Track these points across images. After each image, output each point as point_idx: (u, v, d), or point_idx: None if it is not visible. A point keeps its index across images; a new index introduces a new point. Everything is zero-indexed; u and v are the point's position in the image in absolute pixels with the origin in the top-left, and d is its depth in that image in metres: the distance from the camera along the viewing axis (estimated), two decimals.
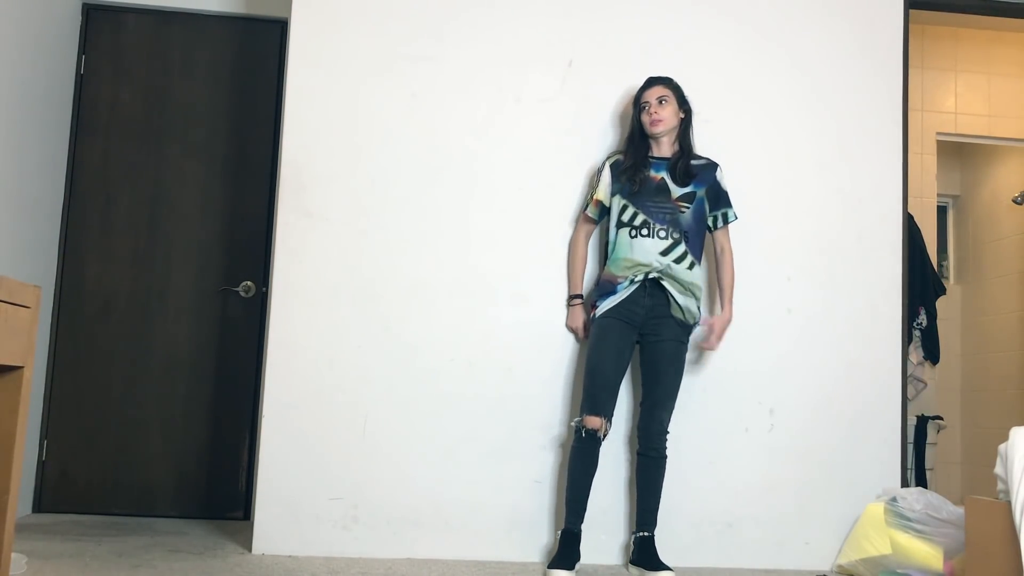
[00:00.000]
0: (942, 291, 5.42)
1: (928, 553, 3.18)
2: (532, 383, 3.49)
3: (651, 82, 3.36)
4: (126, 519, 4.02)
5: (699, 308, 3.31)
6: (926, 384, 5.40)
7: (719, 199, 3.36)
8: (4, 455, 1.69)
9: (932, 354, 5.39)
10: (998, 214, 6.02)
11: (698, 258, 3.30)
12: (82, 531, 3.66)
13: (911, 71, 4.13)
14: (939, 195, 5.92)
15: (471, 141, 3.57)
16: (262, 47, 4.41)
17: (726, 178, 3.41)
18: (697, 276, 3.28)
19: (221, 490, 4.20)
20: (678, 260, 3.23)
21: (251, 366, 4.25)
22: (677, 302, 3.22)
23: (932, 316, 5.36)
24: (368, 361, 3.45)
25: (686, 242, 3.25)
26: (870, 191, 3.73)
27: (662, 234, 3.23)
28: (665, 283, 3.21)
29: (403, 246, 3.51)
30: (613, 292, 3.24)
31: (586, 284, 3.51)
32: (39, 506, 4.12)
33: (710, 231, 3.38)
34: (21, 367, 1.72)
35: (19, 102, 3.75)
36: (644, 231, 3.23)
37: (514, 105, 3.60)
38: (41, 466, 4.12)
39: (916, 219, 5.19)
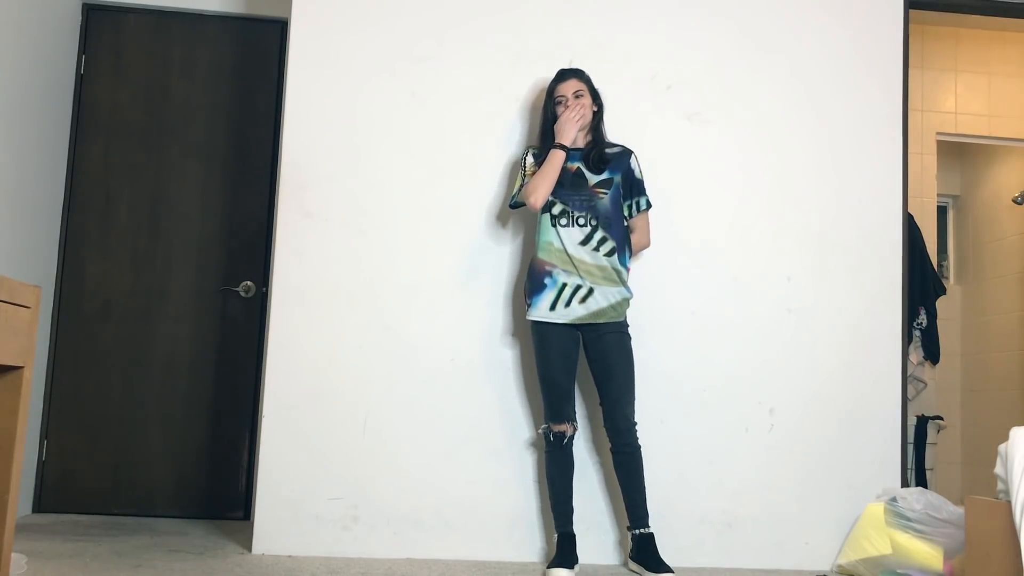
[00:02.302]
0: (942, 291, 5.42)
1: (928, 553, 3.18)
2: (532, 383, 3.49)
3: (565, 75, 3.34)
4: (126, 519, 4.02)
5: (627, 287, 3.26)
6: (926, 384, 5.40)
7: (633, 187, 3.35)
8: (4, 455, 1.69)
9: (932, 354, 5.39)
10: (998, 214, 6.02)
11: (619, 242, 3.26)
12: (82, 531, 3.66)
13: (911, 71, 4.14)
14: (939, 195, 5.92)
15: (471, 141, 3.57)
16: (262, 47, 4.41)
17: (641, 164, 3.38)
18: (616, 262, 3.24)
19: (221, 490, 4.20)
20: (597, 247, 3.22)
21: (251, 366, 4.25)
22: (612, 306, 3.22)
23: (932, 316, 5.36)
24: (368, 361, 3.45)
25: (606, 228, 3.23)
26: (870, 191, 3.73)
27: (581, 221, 3.22)
28: (597, 295, 3.20)
29: (403, 246, 3.51)
30: (542, 288, 3.22)
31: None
32: (39, 506, 4.12)
33: (626, 220, 3.35)
34: (21, 367, 1.72)
35: (19, 102, 3.75)
36: (563, 220, 3.23)
37: (514, 105, 3.59)
38: (41, 466, 4.12)
39: (916, 219, 5.19)
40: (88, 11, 4.34)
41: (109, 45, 4.34)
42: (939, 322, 5.46)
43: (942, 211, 6.35)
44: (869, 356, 3.66)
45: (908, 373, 3.96)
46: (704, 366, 3.56)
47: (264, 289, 4.25)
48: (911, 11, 3.90)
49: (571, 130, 3.25)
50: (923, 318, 5.31)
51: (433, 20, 3.60)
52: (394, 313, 3.48)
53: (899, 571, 3.21)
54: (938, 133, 5.68)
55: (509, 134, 3.58)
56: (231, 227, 4.31)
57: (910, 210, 3.98)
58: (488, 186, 3.56)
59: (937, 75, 5.67)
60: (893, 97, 3.78)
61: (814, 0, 3.77)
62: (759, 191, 3.68)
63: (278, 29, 4.38)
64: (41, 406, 4.13)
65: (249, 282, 4.28)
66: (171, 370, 4.22)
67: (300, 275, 3.46)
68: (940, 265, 6.21)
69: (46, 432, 4.14)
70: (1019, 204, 5.80)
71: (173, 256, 4.27)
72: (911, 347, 5.14)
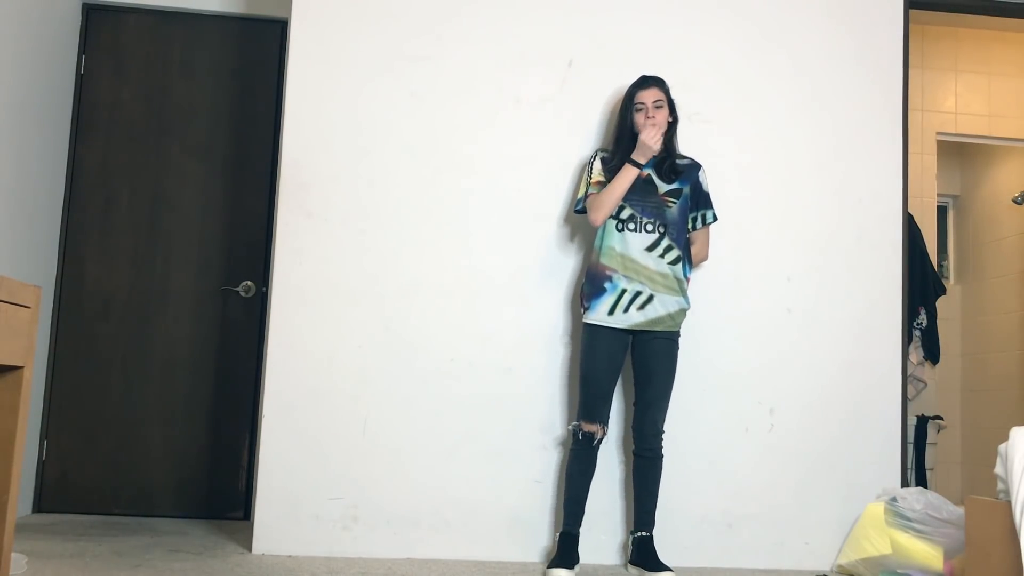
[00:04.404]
0: (942, 291, 5.42)
1: (928, 553, 3.18)
2: (532, 383, 3.49)
3: (648, 82, 3.33)
4: (126, 519, 4.03)
5: (686, 298, 3.30)
6: (926, 384, 5.40)
7: (700, 200, 3.37)
8: (4, 455, 1.69)
9: (932, 354, 5.39)
10: (998, 214, 6.02)
11: (683, 251, 3.29)
12: (82, 531, 3.66)
13: (911, 71, 4.14)
14: (939, 195, 5.92)
15: (471, 141, 3.57)
16: (262, 47, 4.41)
17: (708, 179, 3.42)
18: (679, 271, 3.27)
19: (221, 490, 4.20)
20: (663, 254, 3.23)
21: (251, 366, 4.25)
22: (670, 315, 3.24)
23: (932, 316, 5.36)
24: (368, 361, 3.45)
25: (672, 237, 3.25)
26: (870, 191, 3.73)
27: (648, 227, 3.23)
28: (656, 302, 3.21)
29: (403, 246, 3.51)
30: (602, 292, 3.23)
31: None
32: (39, 506, 4.12)
33: (688, 231, 3.37)
34: (21, 367, 1.72)
35: (19, 102, 3.75)
36: (631, 225, 3.24)
37: (514, 105, 3.60)
38: (41, 466, 4.12)
39: (916, 219, 5.19)
40: (88, 11, 4.34)
41: (109, 45, 4.34)
42: (939, 322, 5.46)
43: (942, 211, 6.35)
44: (869, 356, 3.66)
45: (908, 373, 3.96)
46: (704, 366, 3.56)
47: (264, 289, 4.25)
48: (911, 11, 3.91)
49: (653, 149, 3.19)
50: (923, 318, 5.31)
51: (433, 20, 3.60)
52: (394, 313, 3.48)
53: (899, 571, 3.21)
54: (938, 133, 5.68)
55: (509, 134, 3.58)
56: (231, 227, 4.31)
57: (910, 210, 3.98)
58: (488, 186, 3.56)
59: (937, 75, 5.67)
60: (893, 97, 3.78)
61: (814, 1, 3.77)
62: (759, 191, 3.68)
63: (278, 29, 4.38)
64: (41, 406, 4.13)
65: (249, 282, 4.28)
66: (171, 370, 4.22)
67: (300, 275, 3.46)
68: (940, 265, 6.21)
69: (46, 432, 4.14)
70: (1019, 204, 5.80)
71: (173, 256, 4.27)
72: (911, 347, 5.14)
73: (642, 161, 3.22)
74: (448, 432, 3.45)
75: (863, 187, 3.73)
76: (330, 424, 3.42)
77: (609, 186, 3.23)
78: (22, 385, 1.72)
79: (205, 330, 4.25)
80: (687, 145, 3.62)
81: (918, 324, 5.29)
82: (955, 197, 6.41)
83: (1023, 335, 5.71)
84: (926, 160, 5.65)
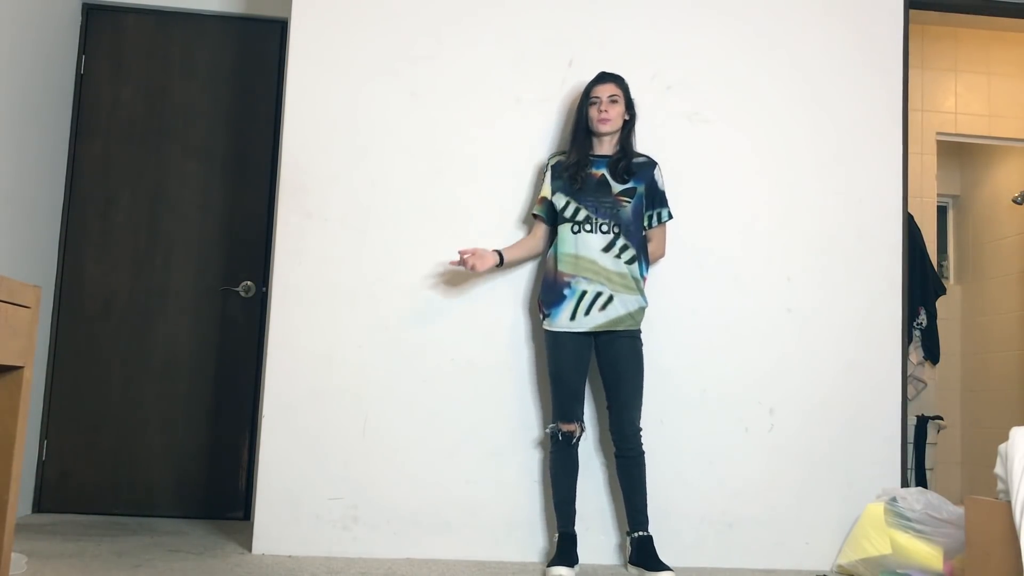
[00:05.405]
0: (942, 291, 5.42)
1: (928, 553, 3.18)
2: (532, 383, 3.49)
3: (604, 78, 3.35)
4: (126, 519, 4.03)
5: (643, 296, 3.29)
6: (926, 384, 5.40)
7: (655, 198, 3.37)
8: (4, 455, 1.69)
9: (932, 354, 5.39)
10: (998, 214, 6.02)
11: (639, 250, 3.29)
12: (82, 531, 3.66)
13: (911, 71, 4.14)
14: (939, 195, 5.92)
15: (471, 141, 3.57)
16: (262, 47, 4.41)
17: (664, 177, 3.41)
18: (636, 270, 3.27)
19: (221, 490, 4.20)
20: (619, 254, 3.24)
21: (251, 366, 4.25)
22: (631, 314, 3.24)
23: (932, 316, 5.36)
24: (368, 361, 3.45)
25: (627, 236, 3.26)
26: (870, 191, 3.73)
27: (604, 228, 3.24)
28: (616, 302, 3.22)
29: (403, 246, 3.51)
30: (561, 299, 3.24)
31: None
32: (39, 506, 4.12)
33: (644, 230, 3.37)
34: (21, 367, 1.72)
35: (19, 102, 3.75)
36: (587, 226, 3.25)
37: (514, 105, 3.60)
38: (41, 466, 4.12)
39: (916, 219, 5.19)
40: (88, 11, 4.34)
41: (109, 45, 4.34)
42: (939, 322, 5.46)
43: (942, 211, 6.35)
44: (869, 356, 3.66)
45: (908, 373, 3.96)
46: (704, 366, 3.56)
47: (264, 289, 4.25)
48: (911, 11, 3.91)
49: (470, 266, 3.25)
50: (923, 318, 5.31)
51: (433, 20, 3.60)
52: (394, 313, 3.48)
53: (899, 571, 3.21)
54: (938, 133, 5.68)
55: (509, 134, 3.58)
56: (231, 227, 4.31)
57: (910, 210, 3.98)
58: (488, 186, 3.56)
59: (937, 75, 5.67)
60: (893, 97, 3.78)
61: (813, 1, 3.77)
62: (759, 191, 3.68)
63: (278, 29, 4.38)
64: (41, 406, 4.14)
65: (249, 282, 4.28)
66: (171, 370, 4.22)
67: (300, 275, 3.46)
68: (940, 265, 6.21)
69: (46, 432, 4.14)
70: (1019, 204, 5.80)
71: (173, 256, 4.27)
72: (911, 347, 5.14)
73: (484, 269, 3.27)
74: (448, 432, 3.45)
75: (863, 187, 3.73)
76: (330, 424, 3.42)
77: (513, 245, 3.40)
78: (22, 385, 1.72)
79: (205, 330, 4.25)
80: (686, 145, 3.63)
81: (918, 324, 5.29)
82: (955, 197, 6.41)
83: (1023, 335, 5.71)
84: (926, 160, 5.65)
